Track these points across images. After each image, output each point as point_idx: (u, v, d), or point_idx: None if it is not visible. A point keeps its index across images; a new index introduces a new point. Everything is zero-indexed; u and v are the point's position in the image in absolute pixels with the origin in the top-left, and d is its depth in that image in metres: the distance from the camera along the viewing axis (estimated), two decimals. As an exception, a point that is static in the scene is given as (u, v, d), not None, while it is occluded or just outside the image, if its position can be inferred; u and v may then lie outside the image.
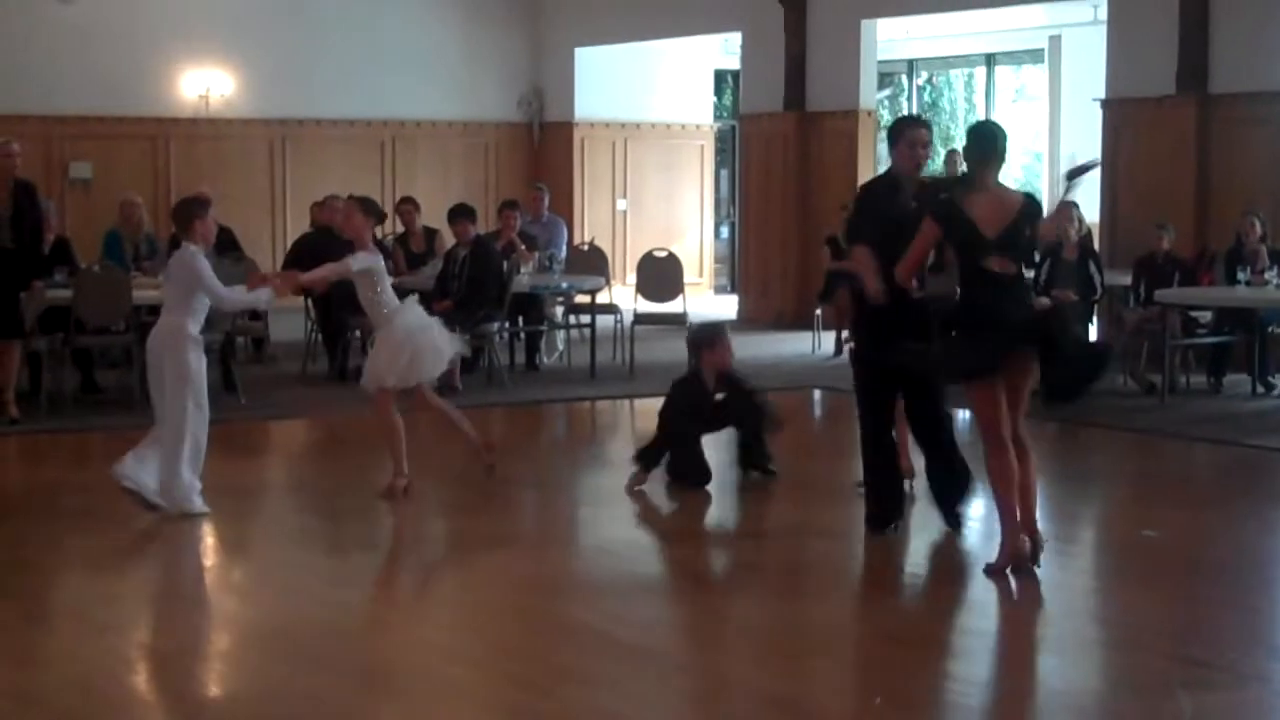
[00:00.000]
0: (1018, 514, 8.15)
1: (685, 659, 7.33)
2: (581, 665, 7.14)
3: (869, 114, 19.68)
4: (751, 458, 10.80)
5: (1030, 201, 8.46)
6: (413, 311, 10.37)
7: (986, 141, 8.39)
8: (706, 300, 22.03)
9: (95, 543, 9.36)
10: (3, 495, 10.89)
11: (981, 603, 8.08)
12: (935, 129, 26.65)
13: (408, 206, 16.59)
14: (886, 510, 9.11)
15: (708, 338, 10.89)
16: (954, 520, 9.11)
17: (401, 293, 15.39)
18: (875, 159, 20.34)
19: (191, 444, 9.62)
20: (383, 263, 10.35)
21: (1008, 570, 8.14)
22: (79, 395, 13.97)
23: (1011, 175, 25.97)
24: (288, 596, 8.35)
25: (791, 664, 7.14)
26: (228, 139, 21.13)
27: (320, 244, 15.97)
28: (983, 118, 25.03)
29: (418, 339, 10.26)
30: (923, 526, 9.10)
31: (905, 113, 25.85)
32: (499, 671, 7.04)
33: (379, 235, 17.40)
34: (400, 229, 16.63)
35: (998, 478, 8.17)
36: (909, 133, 9.11)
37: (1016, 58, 24.93)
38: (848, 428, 11.95)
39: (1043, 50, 23.62)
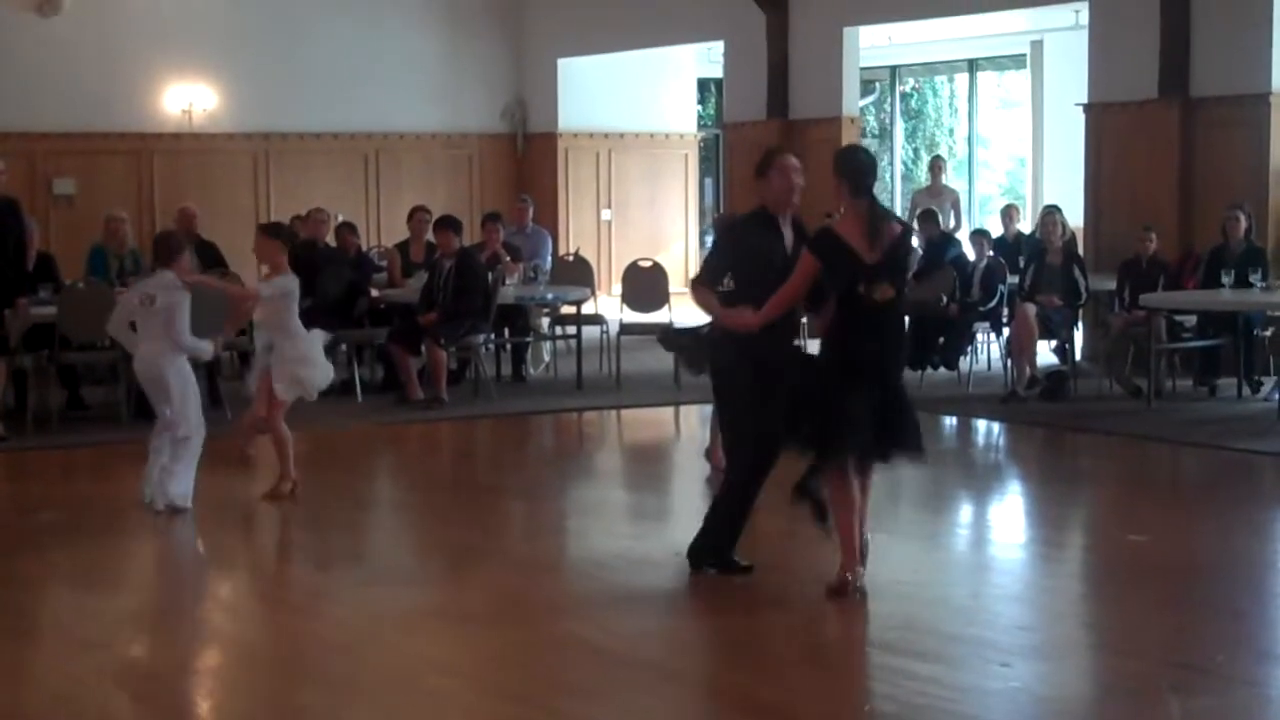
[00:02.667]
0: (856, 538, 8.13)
1: (675, 669, 7.32)
2: (571, 677, 7.14)
3: (852, 121, 19.70)
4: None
5: (907, 230, 8.36)
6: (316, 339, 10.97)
7: (862, 168, 8.15)
8: (692, 309, 22.02)
9: (81, 559, 9.34)
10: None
11: (968, 609, 8.08)
12: (920, 135, 26.77)
13: (420, 215, 16.53)
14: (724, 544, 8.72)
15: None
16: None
17: (390, 305, 15.55)
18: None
19: None
20: (295, 285, 10.78)
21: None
22: (65, 412, 13.94)
23: (996, 181, 26.07)
24: (275, 610, 8.35)
25: (781, 673, 7.14)
26: (211, 153, 21.10)
27: (305, 258, 15.96)
28: (967, 123, 25.13)
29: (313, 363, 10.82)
30: (905, 533, 9.10)
31: (888, 120, 25.92)
32: (489, 684, 7.03)
33: (364, 246, 17.49)
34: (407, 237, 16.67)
35: (843, 507, 8.09)
36: (780, 159, 8.54)
37: (999, 63, 25.00)
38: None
39: (1025, 55, 23.68)
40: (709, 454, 11.35)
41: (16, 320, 13.06)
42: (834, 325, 8.08)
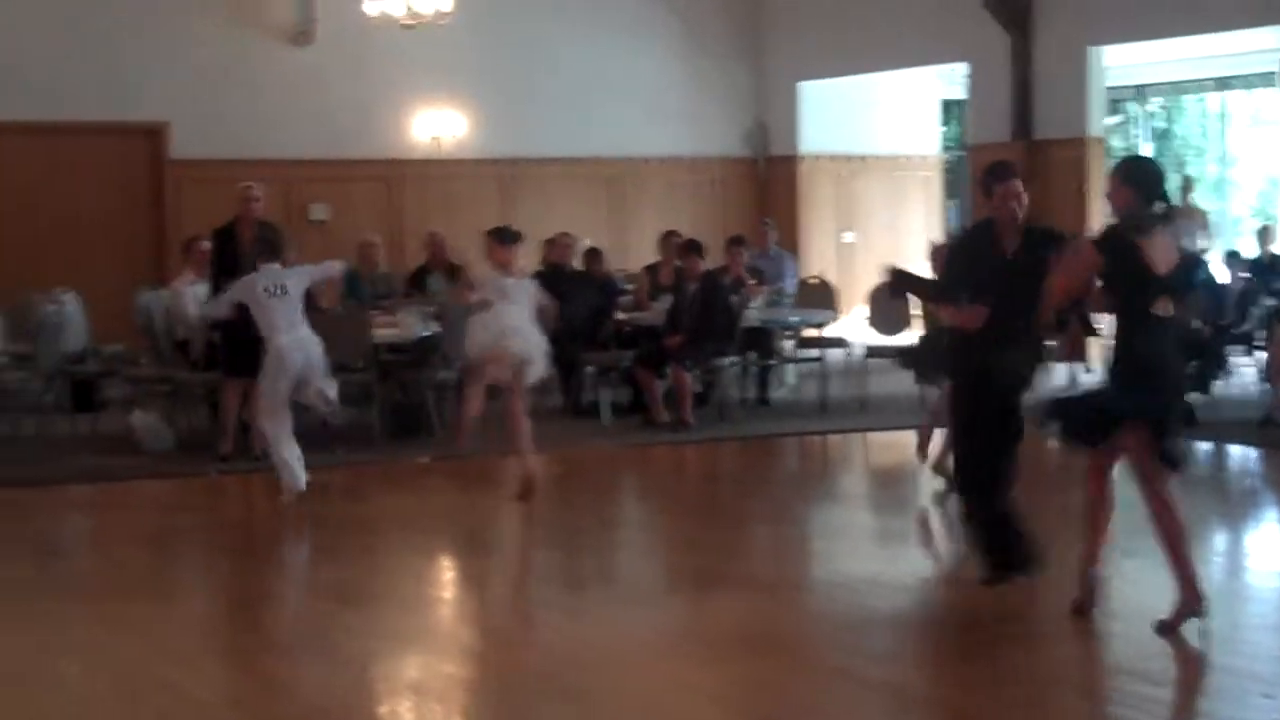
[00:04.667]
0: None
1: (923, 694, 7.30)
2: (818, 700, 7.14)
3: (1098, 141, 19.43)
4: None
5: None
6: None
7: (1155, 177, 8.10)
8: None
9: (339, 576, 9.56)
10: (246, 530, 11.17)
11: (1227, 638, 7.89)
12: (1168, 155, 26.27)
13: (672, 239, 16.65)
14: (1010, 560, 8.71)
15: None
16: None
17: (636, 328, 15.68)
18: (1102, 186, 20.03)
19: None
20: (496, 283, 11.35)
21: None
22: (319, 433, 14.24)
23: (1247, 203, 25.48)
24: (529, 630, 8.46)
25: (1034, 699, 7.07)
26: (459, 179, 21.45)
27: (552, 281, 16.18)
28: (1217, 142, 24.62)
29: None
30: (1158, 560, 8.93)
31: (1134, 141, 25.50)
32: (735, 706, 7.06)
33: (609, 270, 17.62)
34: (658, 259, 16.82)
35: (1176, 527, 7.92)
36: (1001, 187, 8.97)
37: (1249, 81, 24.43)
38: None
39: (1276, 74, 23.12)
40: (937, 465, 11.49)
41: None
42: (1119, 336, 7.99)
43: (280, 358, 11.16)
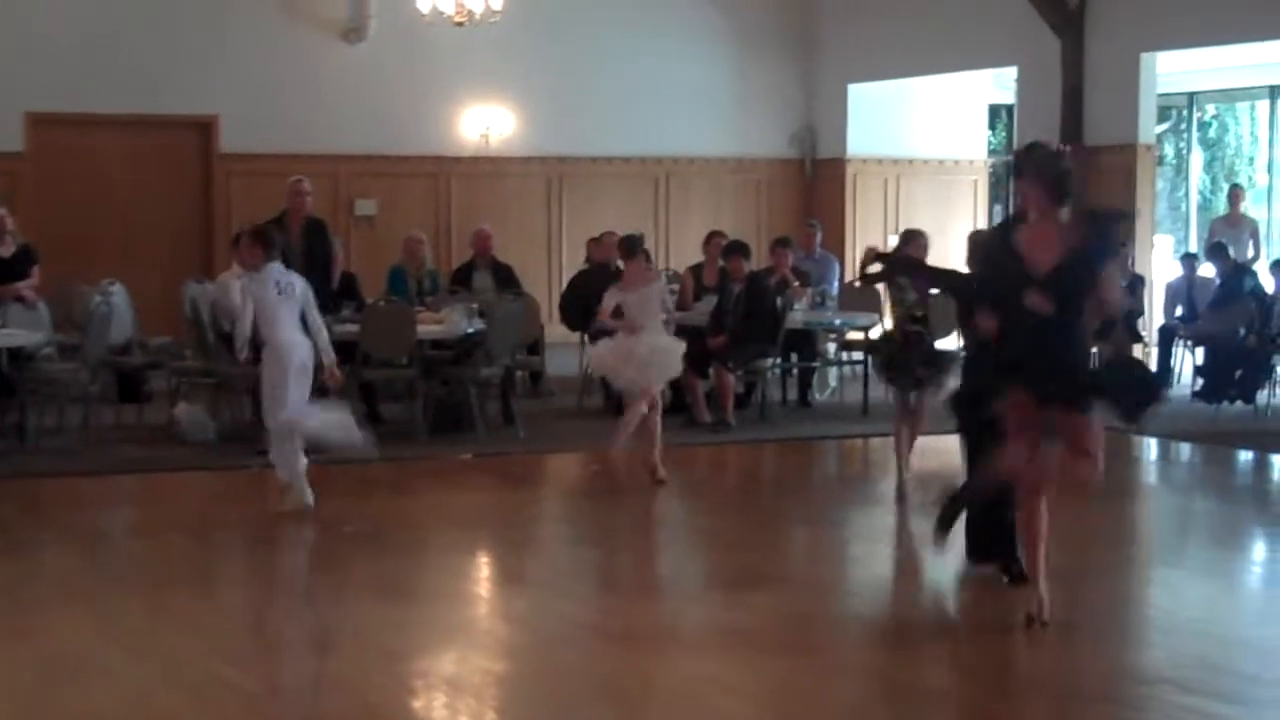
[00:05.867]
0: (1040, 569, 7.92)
1: (962, 697, 7.30)
2: (858, 704, 7.15)
3: (1148, 148, 19.36)
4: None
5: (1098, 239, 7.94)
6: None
7: (1048, 166, 7.90)
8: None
9: (379, 571, 9.59)
10: (287, 523, 11.19)
11: (1269, 651, 7.87)
12: (1218, 163, 26.17)
13: (717, 239, 16.65)
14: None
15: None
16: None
17: (679, 327, 15.70)
18: (1154, 194, 19.97)
19: None
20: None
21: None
22: (363, 426, 14.30)
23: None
24: (564, 627, 8.48)
25: (1073, 706, 7.06)
26: (506, 177, 21.52)
27: (596, 280, 16.20)
28: (1267, 151, 24.48)
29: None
30: (1197, 570, 8.92)
31: (1185, 148, 25.39)
32: (773, 707, 7.07)
33: (654, 269, 17.62)
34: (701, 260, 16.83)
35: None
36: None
37: (1302, 89, 24.28)
38: (1132, 469, 11.78)
39: (1329, 82, 22.99)
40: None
41: (321, 338, 13.46)
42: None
43: (278, 354, 11.02)
